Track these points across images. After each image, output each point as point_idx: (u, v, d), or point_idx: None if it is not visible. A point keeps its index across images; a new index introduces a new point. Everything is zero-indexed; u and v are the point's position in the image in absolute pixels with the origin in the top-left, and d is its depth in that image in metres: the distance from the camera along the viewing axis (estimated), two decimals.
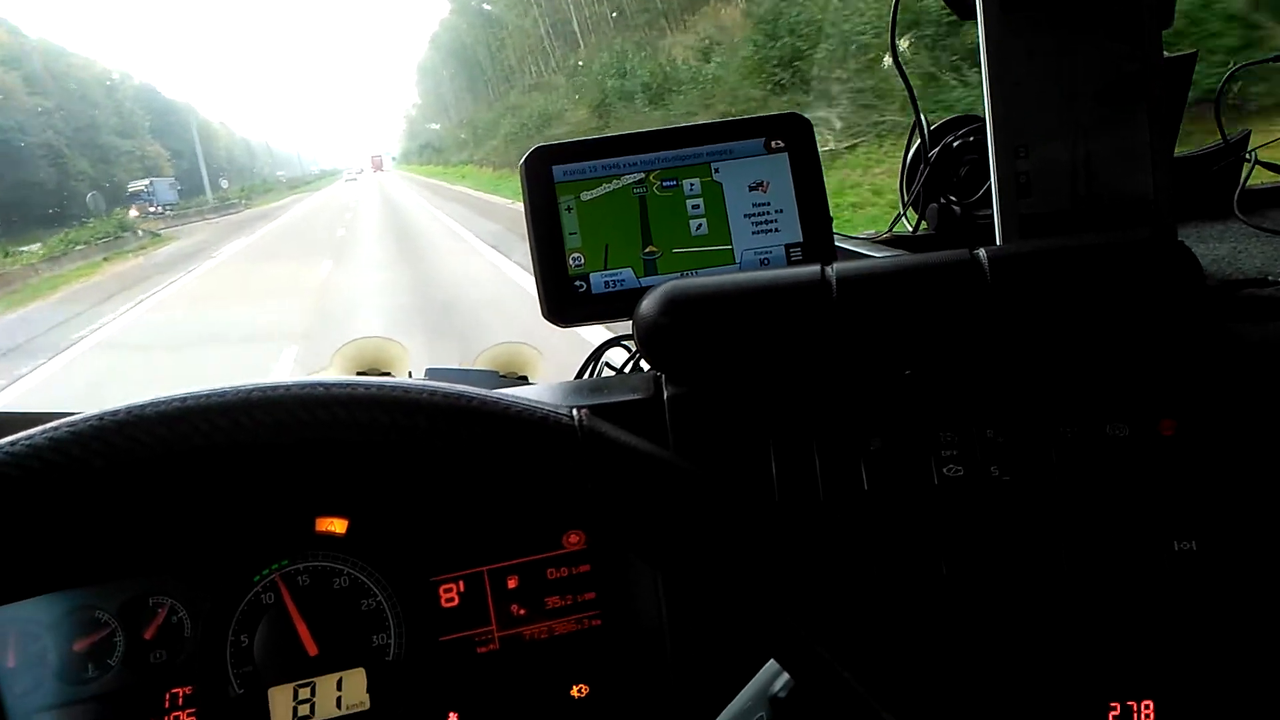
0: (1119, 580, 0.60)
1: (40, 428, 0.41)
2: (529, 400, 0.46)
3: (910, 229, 1.12)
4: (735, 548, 0.46)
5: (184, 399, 0.42)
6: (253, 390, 0.42)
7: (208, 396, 0.42)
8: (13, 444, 0.39)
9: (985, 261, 0.62)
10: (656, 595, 0.63)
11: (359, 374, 0.88)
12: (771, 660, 0.50)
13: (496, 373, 0.92)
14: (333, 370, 0.89)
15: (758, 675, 0.50)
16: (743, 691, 0.50)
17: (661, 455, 0.46)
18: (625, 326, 0.77)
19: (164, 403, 0.41)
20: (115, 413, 0.41)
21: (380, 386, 0.43)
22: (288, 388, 0.42)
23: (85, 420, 0.41)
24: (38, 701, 0.60)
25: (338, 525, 0.64)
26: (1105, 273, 0.62)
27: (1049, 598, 0.60)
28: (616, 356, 0.95)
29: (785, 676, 0.49)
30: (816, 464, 0.62)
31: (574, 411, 0.46)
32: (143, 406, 0.41)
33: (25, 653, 0.61)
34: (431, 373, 0.86)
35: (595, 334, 0.99)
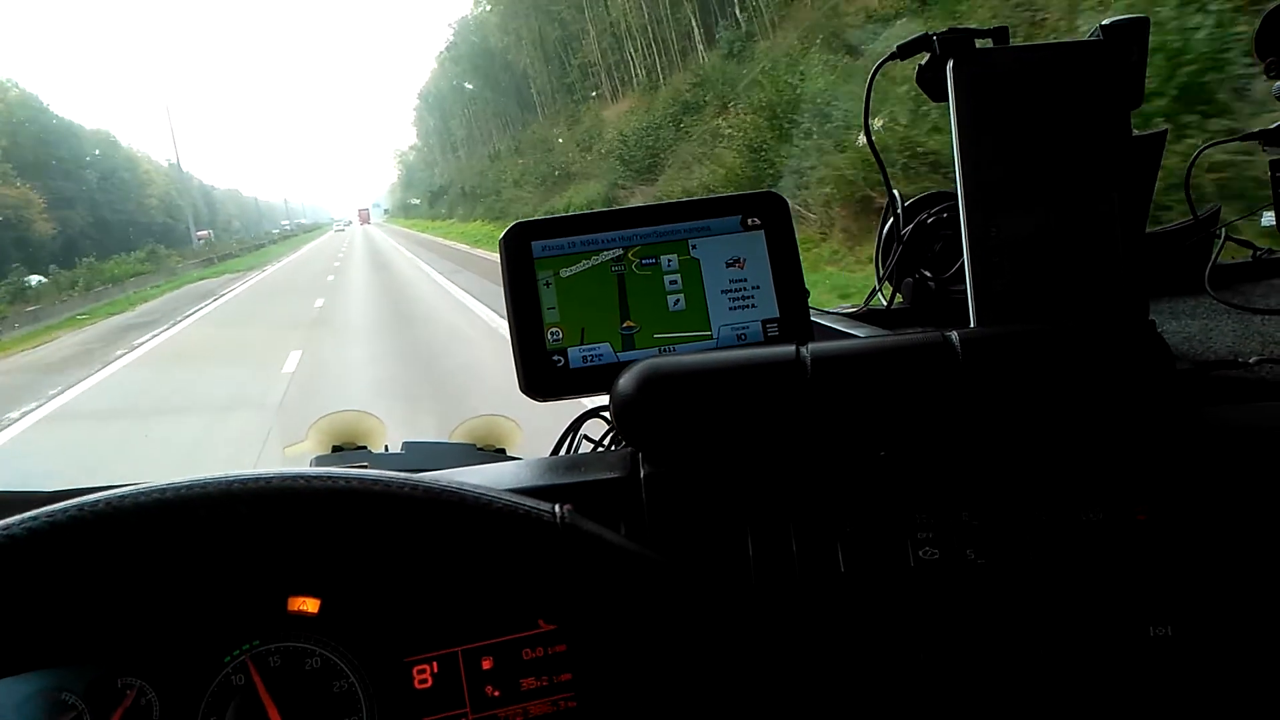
0: (1095, 665, 0.60)
1: (19, 517, 0.41)
2: (508, 495, 0.46)
3: (885, 303, 1.13)
4: (714, 638, 0.46)
5: (163, 490, 0.42)
6: (234, 482, 0.42)
7: (189, 488, 0.42)
8: None
9: (958, 344, 0.63)
10: (633, 678, 0.62)
11: (334, 448, 0.88)
12: None
13: (474, 445, 0.92)
14: (309, 444, 0.88)
15: None
16: None
17: (640, 551, 0.46)
18: (604, 398, 0.77)
19: (142, 494, 0.41)
20: (95, 504, 0.41)
21: (362, 480, 0.43)
22: (268, 480, 0.42)
23: (64, 510, 0.41)
24: None
25: (310, 605, 0.63)
26: (1074, 357, 0.62)
27: (1025, 682, 0.60)
28: (594, 427, 0.95)
29: None
30: (793, 545, 0.62)
31: (556, 508, 0.46)
32: (121, 498, 0.41)
33: None
34: (409, 446, 0.86)
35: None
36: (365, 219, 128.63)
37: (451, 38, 73.54)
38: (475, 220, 47.02)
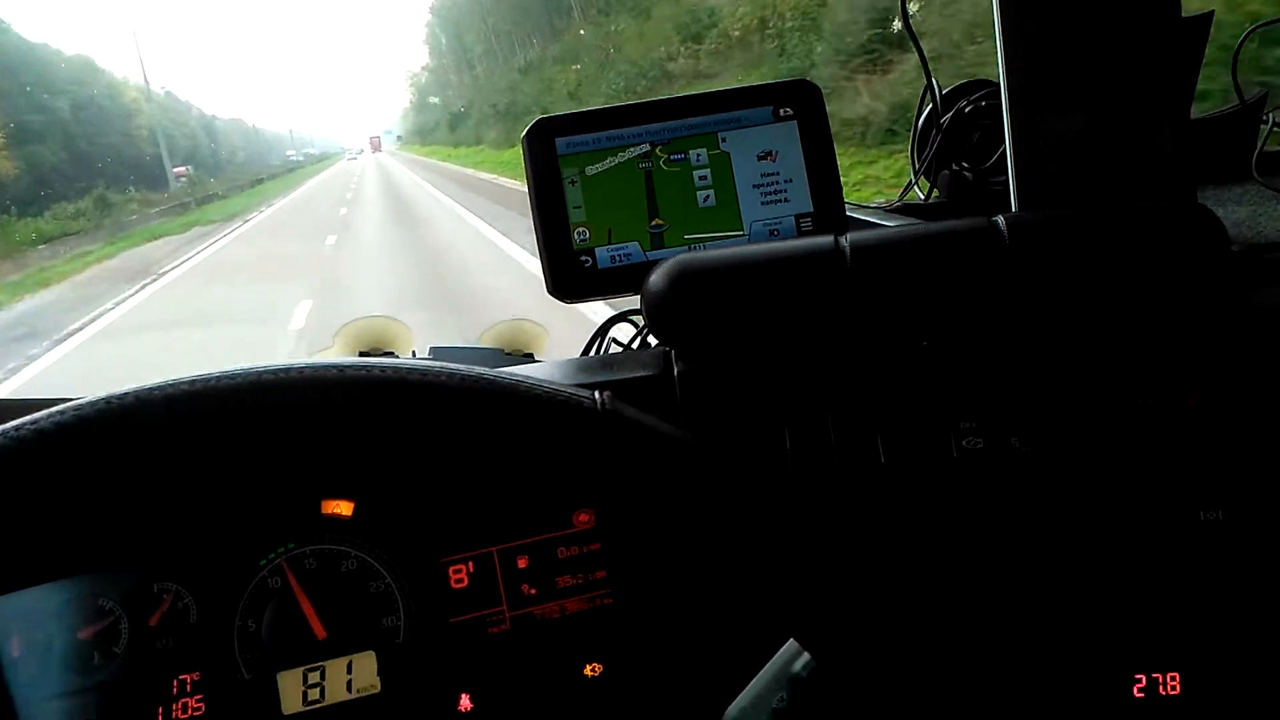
0: (1144, 551, 0.59)
1: (46, 412, 0.40)
2: (547, 383, 0.44)
3: (922, 197, 1.10)
4: (753, 526, 0.45)
5: (192, 381, 0.41)
6: (264, 372, 0.41)
7: (218, 380, 0.41)
8: (18, 428, 0.38)
9: (1004, 228, 0.60)
10: (670, 573, 0.62)
11: (361, 354, 0.87)
12: (791, 640, 0.49)
13: (502, 350, 0.91)
14: (335, 350, 0.88)
15: (777, 655, 0.49)
16: (761, 672, 0.49)
17: (681, 436, 0.45)
18: (631, 301, 0.76)
19: (171, 386, 0.40)
20: (123, 396, 0.40)
21: (397, 369, 0.42)
22: (300, 370, 0.41)
23: (92, 404, 0.40)
24: (44, 690, 0.60)
25: (344, 507, 0.63)
26: (1128, 239, 0.60)
27: (1073, 570, 0.59)
28: (622, 332, 0.94)
29: (805, 656, 0.48)
30: (831, 437, 0.61)
31: (596, 394, 0.45)
32: (149, 390, 0.40)
33: (30, 642, 0.60)
34: (436, 351, 0.85)
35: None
36: (377, 146, 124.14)
37: None
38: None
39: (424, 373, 0.42)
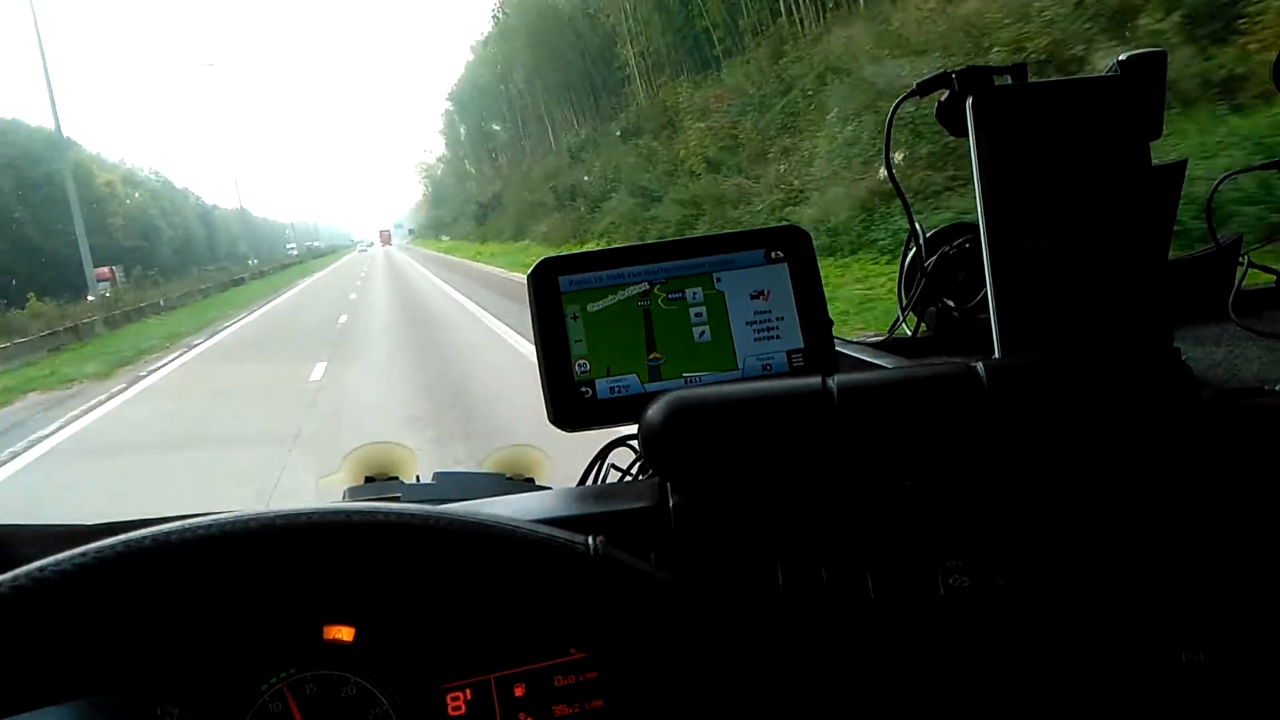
0: (1128, 691, 0.60)
1: (69, 554, 0.42)
2: (542, 528, 0.47)
3: (910, 332, 1.14)
4: (745, 668, 0.46)
5: (209, 526, 0.43)
6: (276, 518, 0.43)
7: (233, 524, 0.43)
8: (41, 569, 0.40)
9: (983, 374, 0.64)
10: (664, 707, 0.63)
11: (367, 479, 0.89)
12: None
13: (503, 475, 0.93)
14: (342, 475, 0.90)
15: None
16: None
17: (671, 582, 0.47)
18: (631, 428, 0.78)
19: (188, 530, 0.43)
20: (142, 540, 0.43)
21: (401, 515, 0.44)
22: (309, 515, 0.43)
23: (112, 547, 0.42)
24: None
25: (345, 633, 0.64)
26: (1098, 386, 0.63)
27: (1057, 707, 0.60)
28: (621, 457, 0.96)
29: None
30: (823, 574, 0.62)
31: (589, 539, 0.47)
32: (168, 534, 0.43)
33: None
34: (440, 476, 0.87)
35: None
36: (386, 240, 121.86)
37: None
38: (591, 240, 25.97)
39: (427, 517, 0.45)
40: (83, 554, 0.41)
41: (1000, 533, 0.63)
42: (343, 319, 17.10)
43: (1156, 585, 0.61)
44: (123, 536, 0.42)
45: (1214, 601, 0.61)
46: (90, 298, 33.40)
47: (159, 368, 14.12)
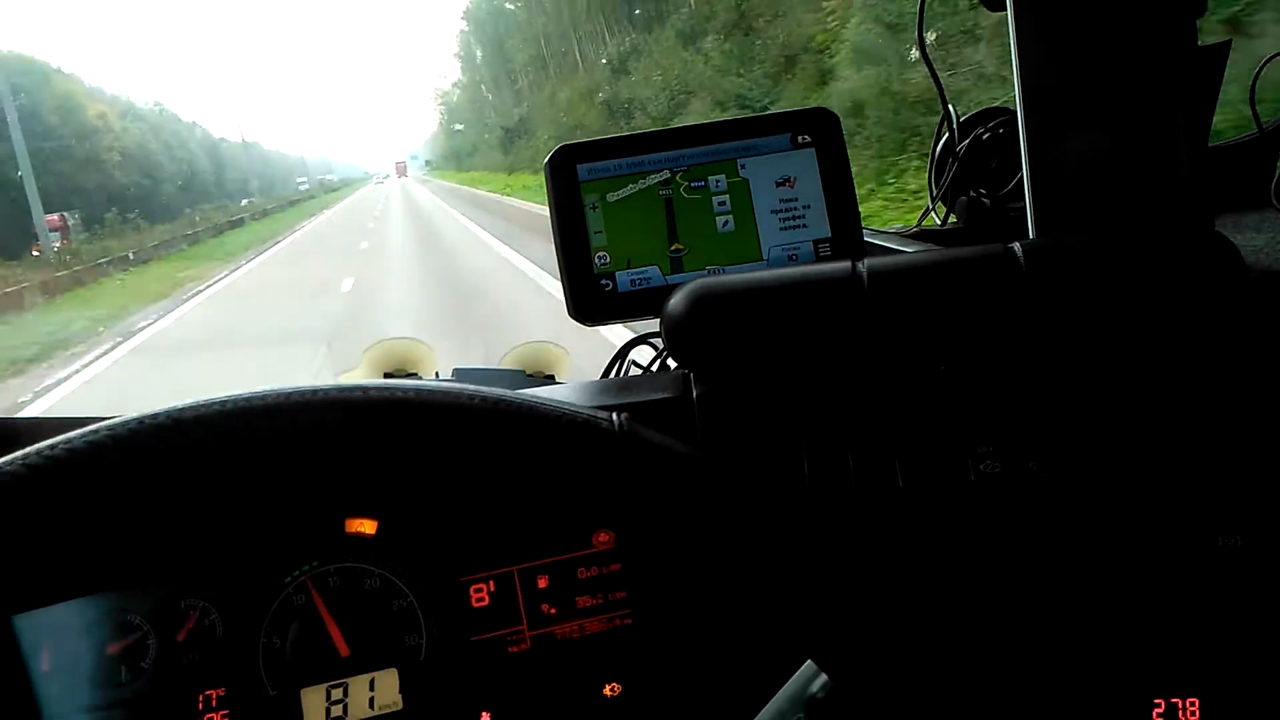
0: (1162, 576, 0.59)
1: (80, 431, 0.41)
2: (566, 404, 0.45)
3: (939, 222, 1.11)
4: (771, 546, 0.45)
5: (224, 402, 0.42)
6: (292, 393, 0.42)
7: (248, 400, 0.42)
8: (52, 447, 0.39)
9: (1021, 255, 0.61)
10: (689, 593, 0.63)
11: (386, 374, 0.88)
12: (809, 661, 0.49)
13: (523, 372, 0.92)
14: (361, 371, 0.89)
15: (795, 676, 0.49)
16: (780, 692, 0.49)
17: (699, 456, 0.46)
18: (651, 324, 0.77)
19: (203, 406, 0.41)
20: (155, 416, 0.41)
21: (419, 390, 0.43)
22: (327, 391, 0.42)
23: (125, 424, 0.41)
24: (73, 704, 0.61)
25: (367, 526, 0.64)
26: (1143, 266, 0.61)
27: (1091, 594, 0.59)
28: (642, 354, 0.95)
29: (823, 677, 0.49)
30: (850, 461, 0.61)
31: (614, 415, 0.46)
32: (181, 410, 0.41)
33: (60, 657, 0.61)
34: (459, 373, 0.86)
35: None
36: (402, 172, 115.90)
37: None
38: None
39: (446, 393, 0.44)
40: (94, 431, 0.40)
41: (1034, 418, 0.61)
42: (347, 284, 11.52)
43: (1194, 470, 0.60)
44: (138, 414, 0.41)
45: (1252, 487, 0.59)
46: (36, 252, 25.58)
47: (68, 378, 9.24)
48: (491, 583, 0.65)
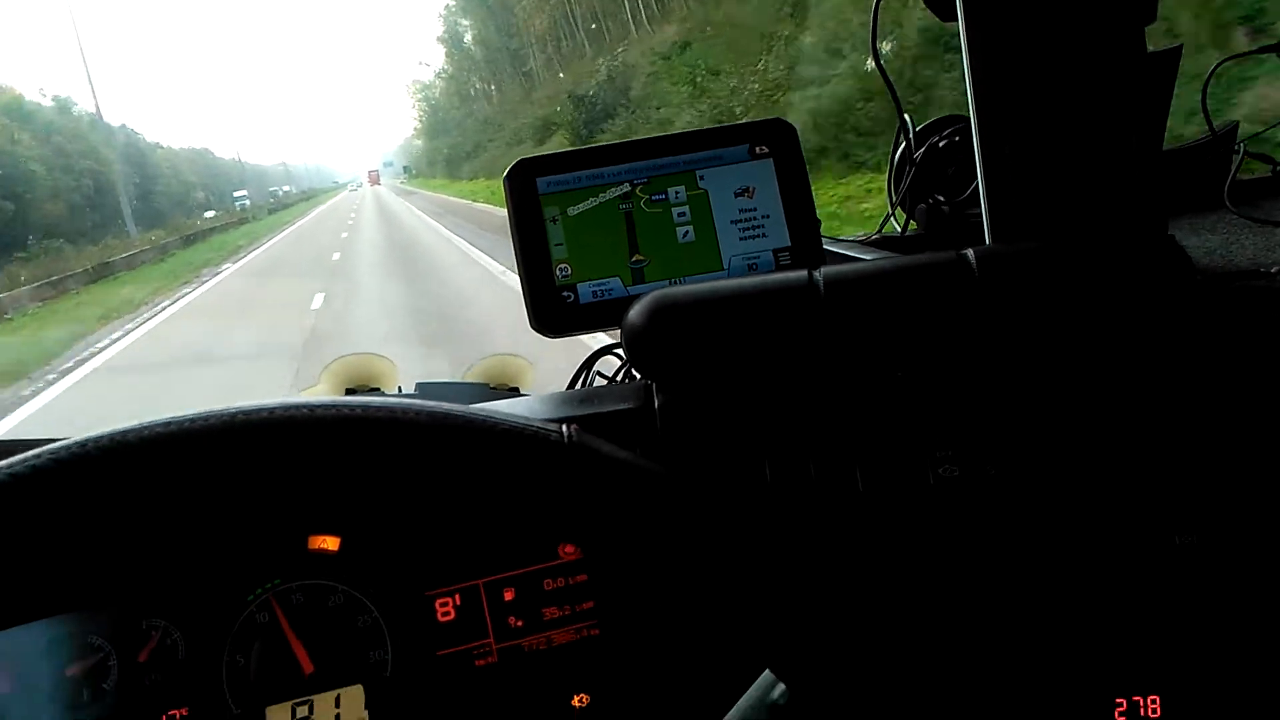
0: (1120, 576, 0.60)
1: (21, 456, 0.41)
2: (516, 416, 0.45)
3: (899, 229, 1.12)
4: (726, 555, 0.46)
5: (167, 423, 0.42)
6: (237, 413, 0.42)
7: (192, 421, 0.42)
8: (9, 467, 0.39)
9: (974, 261, 0.62)
10: (654, 603, 0.63)
11: (348, 391, 0.88)
12: (767, 669, 0.49)
13: (487, 385, 0.92)
14: (322, 387, 0.89)
15: (756, 682, 0.50)
16: (742, 699, 0.49)
17: (650, 467, 0.46)
18: (616, 334, 0.77)
19: (147, 427, 0.41)
20: (99, 438, 0.41)
21: (366, 406, 0.43)
22: (270, 410, 0.42)
23: (67, 448, 0.41)
24: None
25: (330, 543, 0.64)
26: (1093, 270, 0.62)
27: (1051, 595, 0.60)
28: (609, 365, 0.95)
29: (782, 685, 0.49)
30: (811, 468, 0.62)
31: (563, 427, 0.46)
32: (124, 432, 0.41)
33: (21, 679, 0.60)
34: (421, 387, 0.86)
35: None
36: (375, 180, 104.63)
37: None
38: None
39: (391, 409, 0.43)
40: (37, 455, 0.40)
41: (991, 422, 0.62)
42: None
43: (1150, 470, 0.61)
44: (80, 437, 0.41)
45: (1207, 485, 0.60)
46: None
47: None
48: (457, 596, 0.64)
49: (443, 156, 74.34)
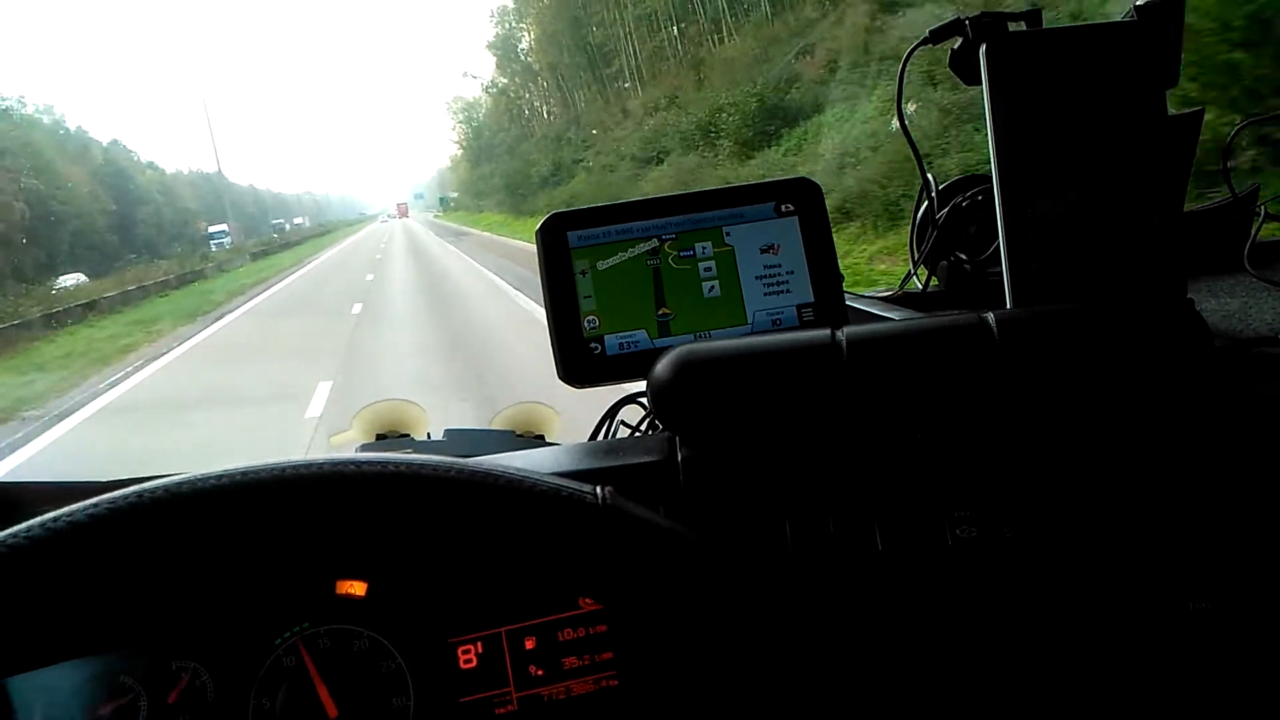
0: (1135, 640, 0.60)
1: (80, 505, 0.43)
2: (551, 478, 0.47)
3: (921, 286, 1.13)
4: (748, 620, 0.47)
5: (219, 476, 0.43)
6: (286, 468, 0.43)
7: (244, 475, 0.44)
8: (55, 520, 0.40)
9: (994, 325, 0.63)
10: (675, 657, 0.64)
11: (378, 436, 0.90)
12: None
13: (514, 433, 0.93)
14: (353, 433, 0.90)
15: None
16: None
17: (680, 532, 0.47)
18: (640, 385, 0.78)
19: (200, 480, 0.43)
20: (154, 490, 0.43)
21: (410, 465, 0.44)
22: (320, 465, 0.44)
23: (124, 497, 0.43)
24: None
25: (358, 588, 0.65)
26: (1111, 335, 0.63)
27: (1065, 657, 0.60)
28: (631, 414, 0.97)
29: None
30: (830, 526, 0.62)
31: (598, 489, 0.47)
32: (179, 485, 0.43)
33: (52, 717, 0.62)
34: (450, 434, 0.88)
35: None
36: (404, 213, 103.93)
37: None
38: None
39: (436, 468, 0.45)
40: (95, 504, 0.41)
41: (1009, 484, 0.63)
42: None
43: (1164, 535, 0.61)
44: (136, 487, 0.42)
45: (1221, 551, 0.61)
46: None
47: None
48: (479, 644, 0.65)
49: (496, 185, 58.84)
